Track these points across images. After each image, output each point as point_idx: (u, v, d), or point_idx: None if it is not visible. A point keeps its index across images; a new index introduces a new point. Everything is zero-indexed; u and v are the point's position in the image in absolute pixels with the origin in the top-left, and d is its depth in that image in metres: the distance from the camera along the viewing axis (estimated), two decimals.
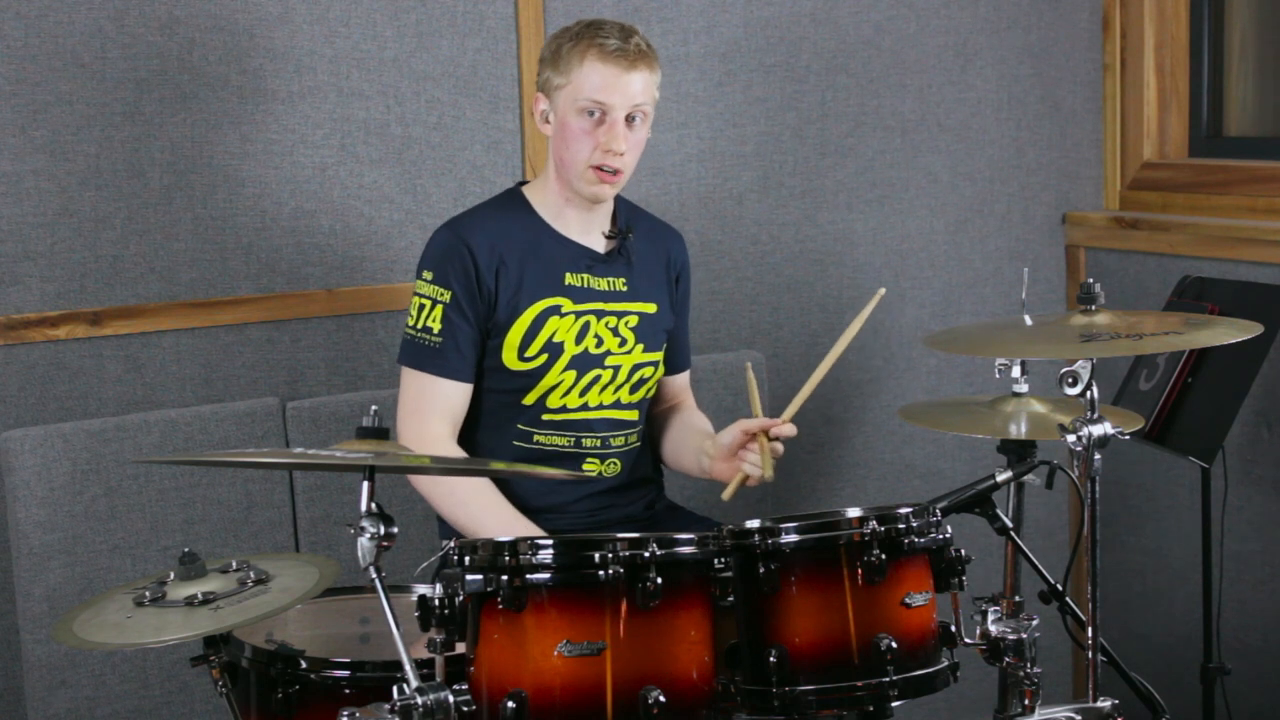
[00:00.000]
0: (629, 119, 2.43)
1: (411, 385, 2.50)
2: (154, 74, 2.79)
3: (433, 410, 2.48)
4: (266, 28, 2.87)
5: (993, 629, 2.26)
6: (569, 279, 2.52)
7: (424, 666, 1.91)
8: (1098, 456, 2.18)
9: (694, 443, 2.62)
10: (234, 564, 2.15)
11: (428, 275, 2.48)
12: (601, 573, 1.90)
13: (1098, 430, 2.17)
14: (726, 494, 2.49)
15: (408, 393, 2.51)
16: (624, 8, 3.13)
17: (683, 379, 2.76)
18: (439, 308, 2.46)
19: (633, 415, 2.60)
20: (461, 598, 1.91)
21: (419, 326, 2.47)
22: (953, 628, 2.10)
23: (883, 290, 2.53)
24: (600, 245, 2.57)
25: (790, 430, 2.46)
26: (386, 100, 2.97)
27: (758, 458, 2.45)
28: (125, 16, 2.76)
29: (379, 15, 2.95)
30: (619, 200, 2.62)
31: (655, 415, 2.73)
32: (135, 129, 2.79)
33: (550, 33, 3.01)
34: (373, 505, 1.92)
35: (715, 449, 2.52)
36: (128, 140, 2.79)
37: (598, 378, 2.53)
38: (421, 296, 2.48)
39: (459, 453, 2.50)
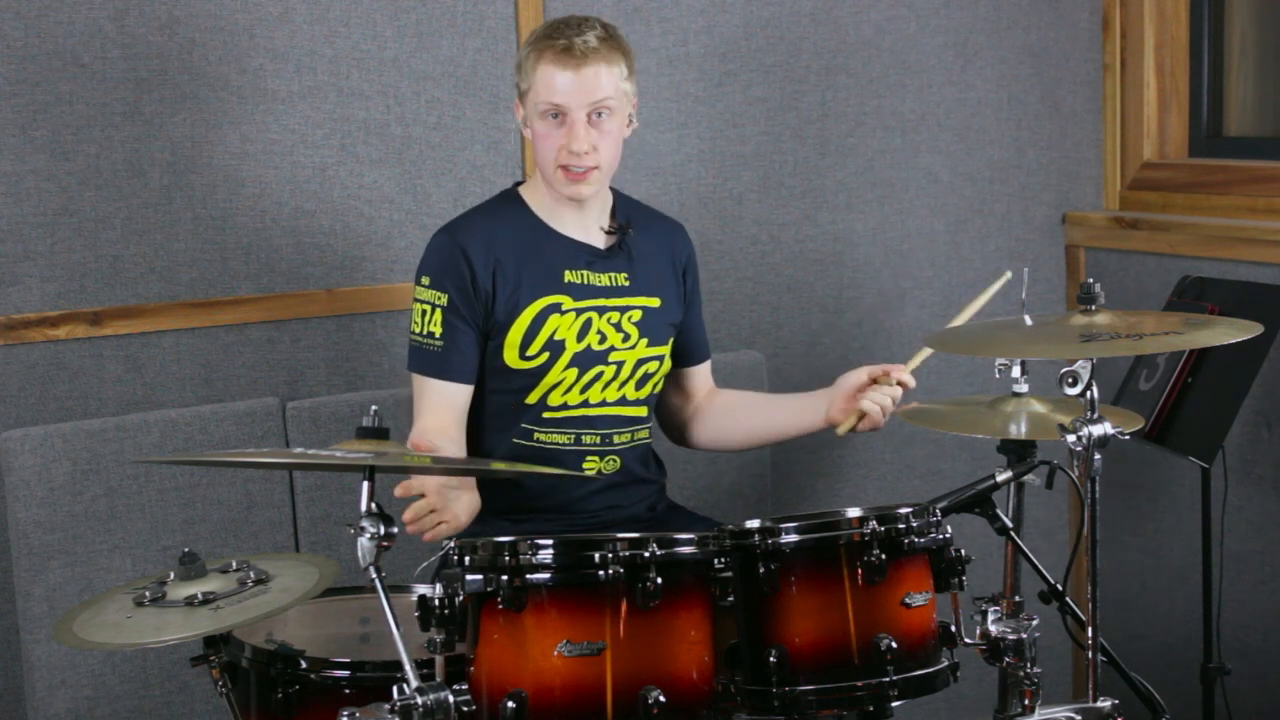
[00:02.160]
0: (592, 115, 2.43)
1: (420, 389, 2.52)
2: (154, 74, 2.79)
3: (439, 410, 2.50)
4: (266, 28, 2.87)
5: (993, 629, 2.26)
6: (568, 276, 2.52)
7: (424, 666, 1.91)
8: (1098, 456, 2.18)
9: (787, 405, 2.69)
10: (234, 564, 2.15)
11: (425, 280, 2.49)
12: (601, 573, 1.91)
13: (1098, 430, 2.17)
14: (841, 430, 2.55)
15: (417, 396, 2.52)
16: (624, 8, 3.13)
17: (705, 370, 2.76)
18: (438, 312, 2.47)
19: (640, 412, 2.60)
20: (461, 598, 1.92)
21: (423, 333, 2.48)
22: (953, 628, 2.10)
23: (1008, 274, 2.72)
24: (600, 241, 2.57)
25: (911, 381, 2.56)
26: (386, 100, 2.97)
27: (880, 396, 2.52)
28: (125, 16, 2.76)
29: (379, 15, 2.95)
30: (617, 196, 2.62)
31: (690, 411, 2.73)
32: (135, 129, 2.79)
33: None
34: (373, 505, 1.93)
35: (835, 392, 2.58)
36: (128, 140, 2.79)
37: (600, 374, 2.53)
38: (421, 302, 2.49)
39: (460, 440, 2.51)
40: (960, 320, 2.64)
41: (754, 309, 3.35)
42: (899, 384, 2.54)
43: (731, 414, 2.72)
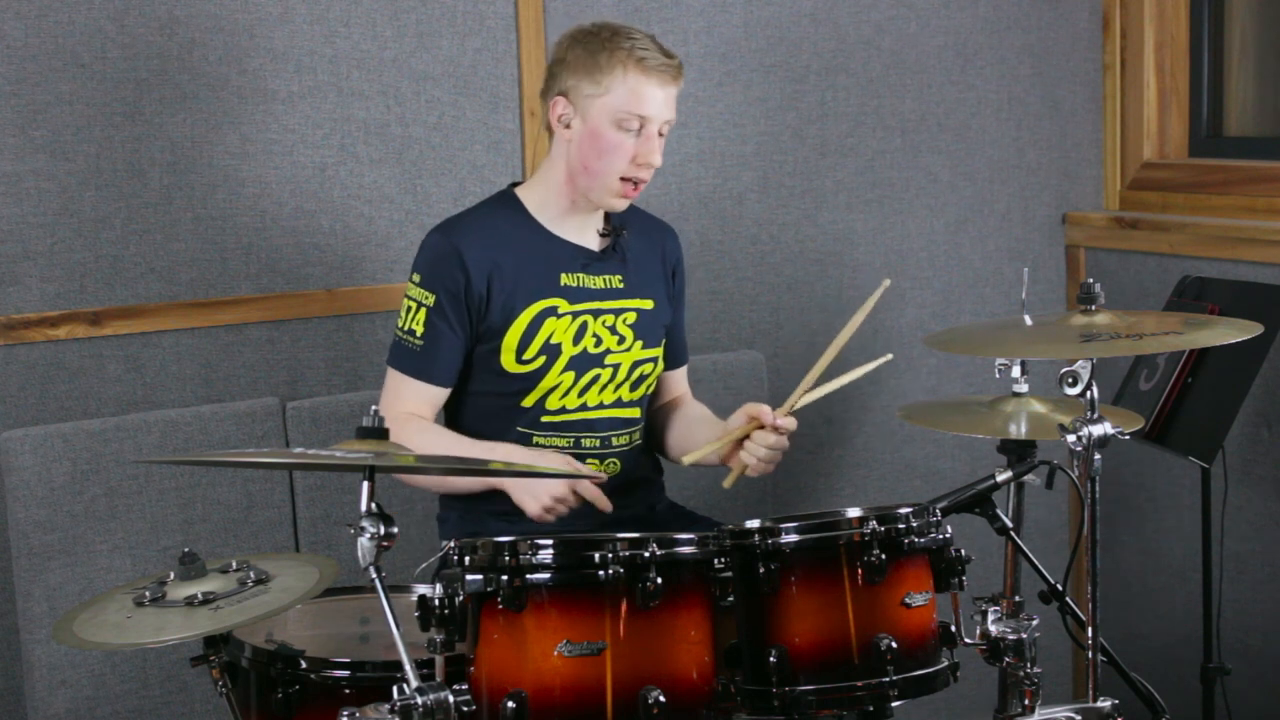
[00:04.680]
0: (660, 132, 2.46)
1: (391, 383, 2.53)
2: (154, 74, 2.79)
3: (406, 406, 2.50)
4: (266, 28, 2.87)
5: (993, 629, 2.26)
6: (565, 279, 2.52)
7: (424, 666, 1.91)
8: (1098, 456, 2.18)
9: (704, 432, 2.61)
10: (234, 564, 2.15)
11: (416, 278, 2.49)
12: (601, 573, 1.91)
13: (1098, 430, 2.17)
14: (727, 482, 2.51)
15: (387, 388, 2.53)
16: (624, 8, 3.13)
17: (681, 374, 2.76)
18: (423, 311, 2.47)
19: (634, 413, 2.60)
20: (461, 598, 1.92)
21: (405, 328, 2.49)
22: (953, 628, 2.10)
23: (887, 282, 2.54)
24: (595, 243, 2.57)
25: (790, 424, 2.48)
26: (386, 100, 2.97)
27: (756, 448, 2.45)
28: (125, 16, 2.76)
29: (379, 15, 2.95)
30: None
31: (655, 411, 2.73)
32: (135, 129, 2.79)
33: (551, 34, 3.02)
34: (373, 505, 1.92)
35: (724, 432, 2.52)
36: (128, 140, 2.79)
37: (596, 377, 2.53)
38: (409, 299, 2.50)
39: (428, 423, 2.51)
40: (844, 336, 2.52)
41: (754, 309, 3.35)
42: (776, 429, 2.46)
43: (682, 431, 2.68)
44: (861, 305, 2.52)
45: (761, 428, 2.47)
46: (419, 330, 2.47)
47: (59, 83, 2.73)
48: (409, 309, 2.49)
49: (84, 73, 2.75)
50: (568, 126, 2.49)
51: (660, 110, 2.44)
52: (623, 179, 2.46)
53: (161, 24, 2.79)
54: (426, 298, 2.47)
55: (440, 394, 2.51)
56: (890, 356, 2.61)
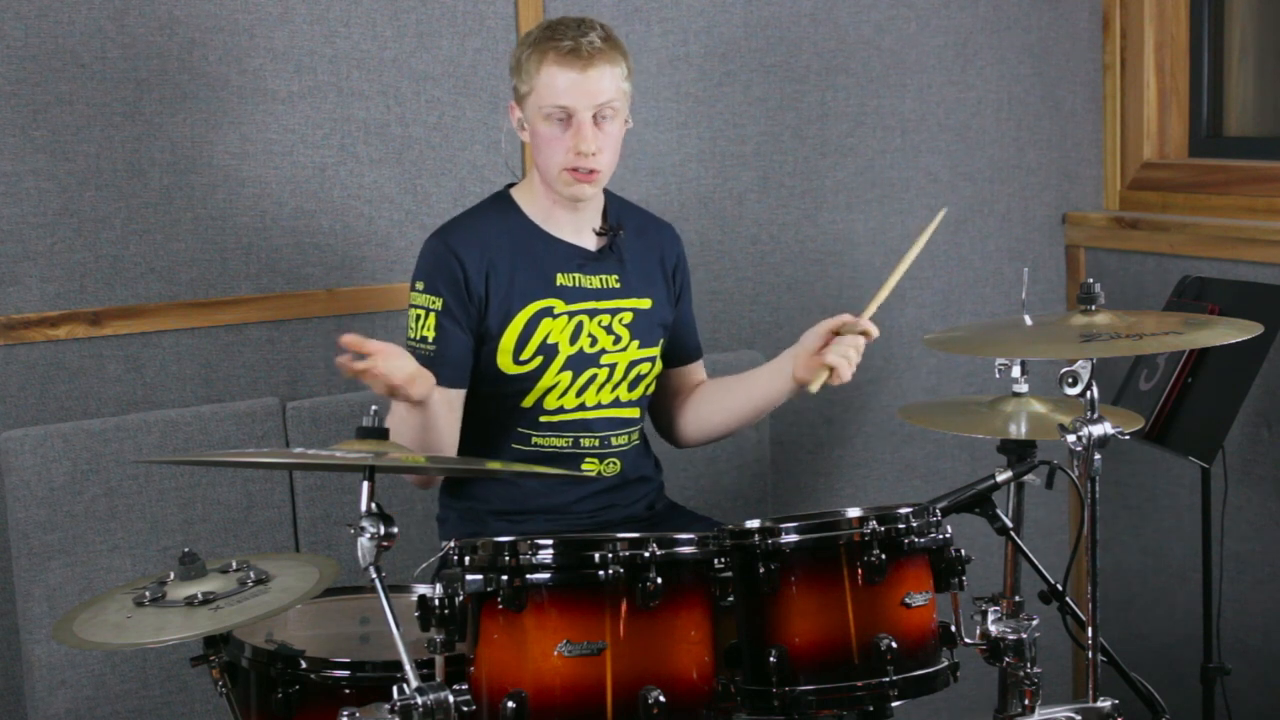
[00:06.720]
0: (598, 117, 2.43)
1: None
2: (154, 74, 2.79)
3: None
4: (266, 28, 2.87)
5: (993, 629, 2.26)
6: (560, 279, 2.52)
7: (424, 666, 1.91)
8: (1098, 456, 2.18)
9: (759, 377, 2.62)
10: (234, 564, 2.15)
11: (419, 285, 2.49)
12: (601, 573, 1.91)
13: (1098, 430, 2.17)
14: (814, 388, 2.48)
15: None
16: (624, 8, 3.13)
17: (697, 368, 2.75)
18: (432, 316, 2.46)
19: (633, 413, 2.60)
20: (461, 598, 1.92)
21: (416, 338, 2.48)
22: (953, 628, 2.10)
23: (945, 210, 2.59)
24: (591, 243, 2.57)
25: (873, 330, 2.48)
26: (386, 100, 2.97)
27: (844, 349, 2.46)
28: (125, 16, 2.76)
29: (379, 15, 2.95)
30: (609, 196, 2.62)
31: (679, 404, 2.72)
32: (135, 129, 2.79)
33: None
34: (373, 505, 1.93)
35: (799, 350, 2.53)
36: (128, 140, 2.79)
37: (594, 377, 2.53)
38: (416, 307, 2.49)
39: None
40: (903, 267, 2.54)
41: (754, 309, 3.35)
42: (861, 333, 2.48)
43: (709, 400, 2.69)
44: (921, 233, 2.53)
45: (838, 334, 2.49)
46: (430, 336, 2.46)
47: (59, 83, 2.73)
48: (417, 318, 2.48)
49: (84, 73, 2.75)
50: (523, 128, 2.50)
51: (581, 97, 2.40)
52: (567, 170, 2.44)
53: (161, 24, 2.79)
54: (434, 302, 2.47)
55: (458, 396, 2.49)
56: (945, 210, 2.61)
